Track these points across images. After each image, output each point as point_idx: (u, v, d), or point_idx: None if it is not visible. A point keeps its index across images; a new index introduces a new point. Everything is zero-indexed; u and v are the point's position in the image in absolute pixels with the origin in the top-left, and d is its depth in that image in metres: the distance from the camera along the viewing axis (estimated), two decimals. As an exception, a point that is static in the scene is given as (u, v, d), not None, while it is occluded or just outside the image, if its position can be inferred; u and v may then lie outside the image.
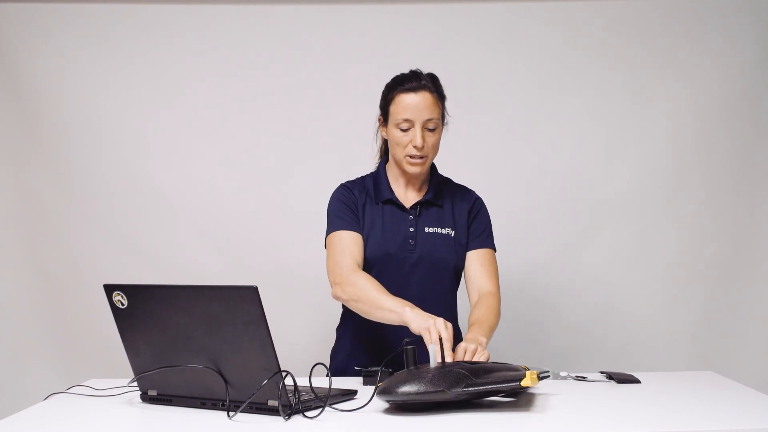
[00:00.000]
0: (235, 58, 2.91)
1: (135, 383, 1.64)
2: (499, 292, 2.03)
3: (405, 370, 1.57)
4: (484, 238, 2.07)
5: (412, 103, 1.94)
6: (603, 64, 2.92)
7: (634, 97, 2.92)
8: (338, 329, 2.17)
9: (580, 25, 2.92)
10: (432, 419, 1.43)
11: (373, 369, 1.80)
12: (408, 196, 2.06)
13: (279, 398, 1.43)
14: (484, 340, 1.81)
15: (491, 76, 2.93)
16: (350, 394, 1.64)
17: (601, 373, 1.92)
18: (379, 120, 2.06)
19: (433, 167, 2.10)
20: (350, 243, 1.98)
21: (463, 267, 2.06)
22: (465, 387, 1.46)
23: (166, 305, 1.53)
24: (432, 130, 1.96)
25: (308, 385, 1.54)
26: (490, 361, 1.70)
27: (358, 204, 2.04)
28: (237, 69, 2.91)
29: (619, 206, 2.92)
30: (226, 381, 1.50)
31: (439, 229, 2.03)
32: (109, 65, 2.88)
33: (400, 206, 2.04)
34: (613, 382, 1.83)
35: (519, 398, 1.60)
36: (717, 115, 2.90)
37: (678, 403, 1.60)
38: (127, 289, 1.56)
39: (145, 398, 1.63)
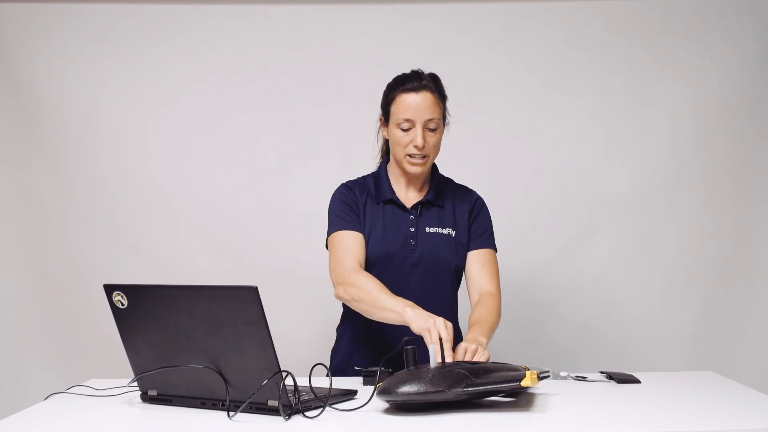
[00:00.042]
0: (235, 58, 2.91)
1: (135, 383, 1.64)
2: (499, 293, 2.03)
3: (405, 370, 1.57)
4: (485, 238, 2.07)
5: (413, 103, 1.94)
6: (603, 64, 2.92)
7: (634, 97, 2.92)
8: (339, 328, 2.17)
9: (580, 25, 2.92)
10: (432, 419, 1.43)
11: (372, 369, 1.80)
12: (409, 196, 2.06)
13: (279, 398, 1.43)
14: (484, 340, 1.81)
15: (491, 76, 2.93)
16: (350, 394, 1.64)
17: (601, 373, 1.92)
18: (380, 120, 2.06)
19: (434, 167, 2.10)
20: (352, 243, 1.98)
21: (463, 267, 2.06)
22: (465, 387, 1.46)
23: (166, 305, 1.53)
24: (433, 130, 1.96)
25: (308, 385, 1.54)
26: (490, 361, 1.70)
27: (359, 204, 2.04)
28: (237, 69, 2.91)
29: (619, 206, 2.92)
30: (226, 381, 1.50)
31: (439, 229, 2.03)
32: (109, 65, 2.88)
33: (401, 206, 2.04)
34: (613, 382, 1.83)
35: (519, 398, 1.60)
36: (717, 115, 2.90)
37: (678, 403, 1.60)
38: (127, 289, 1.56)
39: (145, 398, 1.63)
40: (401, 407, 1.50)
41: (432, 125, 1.96)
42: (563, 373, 1.89)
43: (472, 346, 1.74)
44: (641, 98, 2.92)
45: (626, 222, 2.93)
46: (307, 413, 1.46)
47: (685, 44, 2.90)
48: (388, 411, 1.51)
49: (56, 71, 2.87)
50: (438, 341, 1.65)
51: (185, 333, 1.52)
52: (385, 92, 2.03)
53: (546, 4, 2.91)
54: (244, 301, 1.43)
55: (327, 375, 1.59)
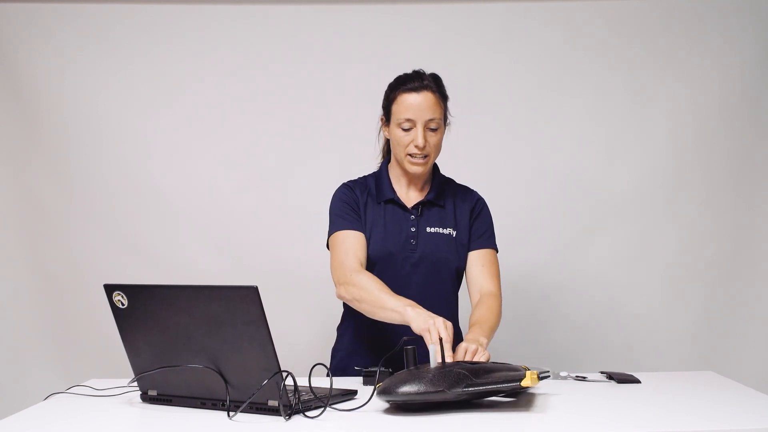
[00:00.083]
0: (235, 58, 2.91)
1: (135, 383, 1.64)
2: (500, 293, 2.03)
3: (405, 370, 1.57)
4: (486, 239, 2.07)
5: (414, 103, 1.94)
6: (603, 64, 2.92)
7: (634, 97, 2.92)
8: (339, 328, 2.17)
9: (580, 25, 2.92)
10: (432, 419, 1.43)
11: (372, 369, 1.80)
12: (410, 196, 2.06)
13: (279, 398, 1.43)
14: (484, 340, 1.81)
15: (491, 76, 2.93)
16: (350, 394, 1.64)
17: (601, 373, 1.92)
18: (382, 120, 2.06)
19: (435, 167, 2.10)
20: (353, 242, 1.98)
21: (464, 267, 2.06)
22: (465, 387, 1.46)
23: (166, 305, 1.53)
24: (434, 130, 1.96)
25: (308, 385, 1.54)
26: (490, 361, 1.70)
27: (359, 203, 2.04)
28: (237, 69, 2.91)
29: (619, 206, 2.92)
30: (226, 381, 1.50)
31: (440, 229, 2.03)
32: (109, 65, 2.88)
33: (402, 206, 2.04)
34: (613, 382, 1.83)
35: (519, 398, 1.60)
36: (717, 115, 2.90)
37: (678, 403, 1.60)
38: (127, 289, 1.56)
39: (145, 398, 1.63)
40: (401, 407, 1.50)
41: (433, 125, 1.96)
42: (563, 373, 1.89)
43: (473, 347, 1.74)
44: (641, 98, 2.92)
45: (626, 222, 2.93)
46: (307, 413, 1.46)
47: (685, 44, 2.90)
48: (388, 411, 1.51)
49: (56, 71, 2.87)
50: (438, 341, 1.65)
51: (185, 333, 1.52)
52: (386, 92, 2.03)
53: (546, 4, 2.91)
54: (244, 301, 1.43)
55: (327, 375, 1.59)
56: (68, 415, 1.55)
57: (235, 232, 2.91)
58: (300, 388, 1.49)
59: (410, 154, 1.97)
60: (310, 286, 2.83)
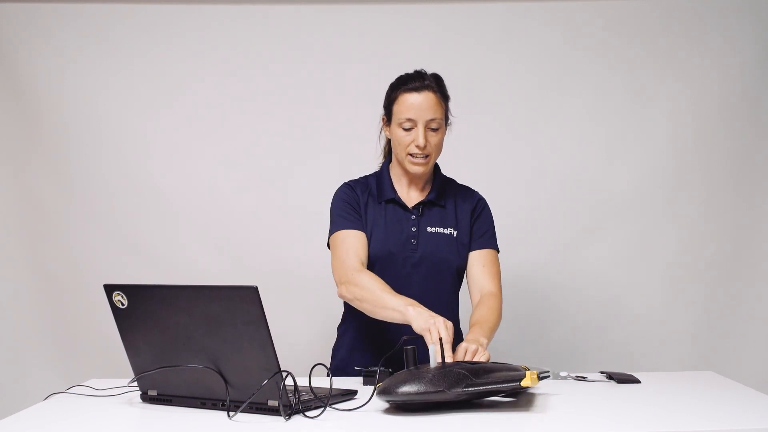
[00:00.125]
0: (235, 58, 2.91)
1: (135, 383, 1.64)
2: (501, 293, 2.03)
3: (405, 370, 1.57)
4: (487, 239, 2.07)
5: (415, 103, 1.94)
6: (603, 64, 2.92)
7: (634, 97, 2.92)
8: (339, 327, 2.17)
9: (580, 25, 2.92)
10: (432, 419, 1.43)
11: (372, 369, 1.80)
12: (411, 196, 2.06)
13: (279, 398, 1.43)
14: (484, 340, 1.81)
15: (491, 76, 2.93)
16: (350, 394, 1.64)
17: (601, 373, 1.92)
18: (383, 119, 2.06)
19: (436, 167, 2.10)
20: (354, 242, 1.98)
21: (465, 267, 2.06)
22: (465, 387, 1.46)
23: (166, 305, 1.53)
24: (435, 130, 1.96)
25: (308, 385, 1.54)
26: (490, 361, 1.70)
27: (360, 203, 2.04)
28: (237, 69, 2.91)
29: (619, 206, 2.92)
30: (226, 381, 1.50)
31: (441, 229, 2.03)
32: (109, 65, 2.88)
33: (403, 206, 2.04)
34: (613, 382, 1.83)
35: (519, 398, 1.60)
36: (717, 115, 2.90)
37: (678, 403, 1.60)
38: (127, 289, 1.56)
39: (145, 398, 1.63)
40: (401, 407, 1.50)
41: (434, 125, 1.96)
42: (563, 373, 1.89)
43: (473, 347, 1.74)
44: (641, 98, 2.92)
45: (626, 222, 2.93)
46: (307, 413, 1.46)
47: (685, 44, 2.90)
48: (388, 411, 1.51)
49: (56, 71, 2.87)
50: (438, 341, 1.65)
51: (185, 333, 1.52)
52: (387, 92, 2.03)
53: (546, 4, 2.91)
54: (244, 301, 1.43)
55: (327, 375, 1.59)
56: (68, 415, 1.55)
57: (235, 232, 2.91)
58: (300, 388, 1.49)
59: (411, 154, 1.97)
60: (310, 286, 2.83)
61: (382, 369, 1.68)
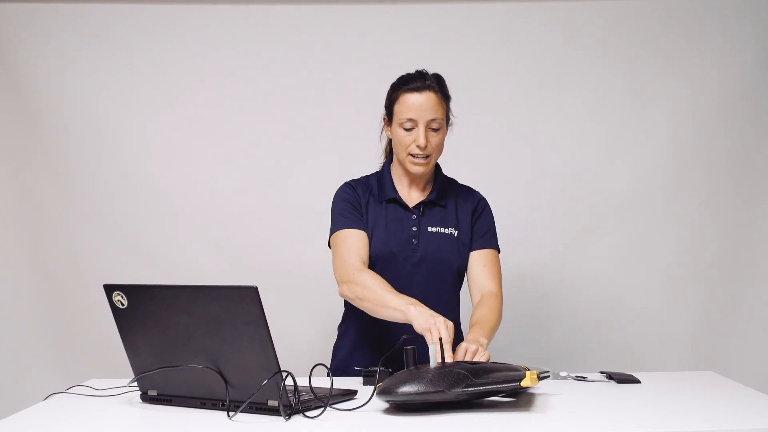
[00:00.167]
0: (235, 58, 2.91)
1: (135, 383, 1.64)
2: (501, 293, 2.03)
3: (405, 370, 1.57)
4: (488, 239, 2.07)
5: (416, 103, 1.94)
6: (603, 64, 2.92)
7: (634, 97, 2.92)
8: (340, 327, 2.17)
9: (580, 25, 2.92)
10: (432, 419, 1.43)
11: (372, 369, 1.80)
12: (411, 196, 2.06)
13: (279, 398, 1.43)
14: (485, 340, 1.81)
15: (491, 76, 2.93)
16: (350, 394, 1.64)
17: (601, 373, 1.92)
18: (384, 119, 2.07)
19: (437, 167, 2.10)
20: (356, 241, 1.98)
21: (466, 267, 2.06)
22: (465, 387, 1.46)
23: (166, 305, 1.53)
24: (436, 130, 1.96)
25: (308, 385, 1.54)
26: (490, 361, 1.70)
27: (361, 202, 2.04)
28: (237, 69, 2.91)
29: (619, 206, 2.92)
30: (226, 381, 1.50)
31: (442, 228, 2.03)
32: (109, 65, 2.88)
33: (404, 205, 2.04)
34: (613, 382, 1.83)
35: (519, 398, 1.60)
36: (717, 115, 2.90)
37: (678, 403, 1.60)
38: (127, 289, 1.56)
39: (145, 398, 1.63)
40: (401, 407, 1.50)
41: (435, 125, 1.96)
42: (563, 373, 1.89)
43: (473, 347, 1.74)
44: (641, 98, 2.92)
45: (626, 222, 2.93)
46: (307, 413, 1.46)
47: (685, 44, 2.90)
48: (388, 411, 1.51)
49: (56, 71, 2.87)
50: (438, 341, 1.65)
51: (185, 333, 1.52)
52: (388, 92, 2.03)
53: (546, 4, 2.91)
54: (244, 301, 1.43)
55: (327, 375, 1.59)
56: (68, 415, 1.55)
57: (235, 232, 2.91)
58: (300, 388, 1.49)
59: (412, 154, 1.97)
60: (310, 286, 2.83)
61: (382, 369, 1.68)
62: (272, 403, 1.46)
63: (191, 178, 2.90)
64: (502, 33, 2.92)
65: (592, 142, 2.93)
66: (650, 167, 2.92)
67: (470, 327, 1.90)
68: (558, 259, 2.93)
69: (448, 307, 2.03)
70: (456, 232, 2.04)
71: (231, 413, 1.47)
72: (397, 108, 1.97)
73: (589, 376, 1.89)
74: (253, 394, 1.44)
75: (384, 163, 2.14)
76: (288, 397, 1.46)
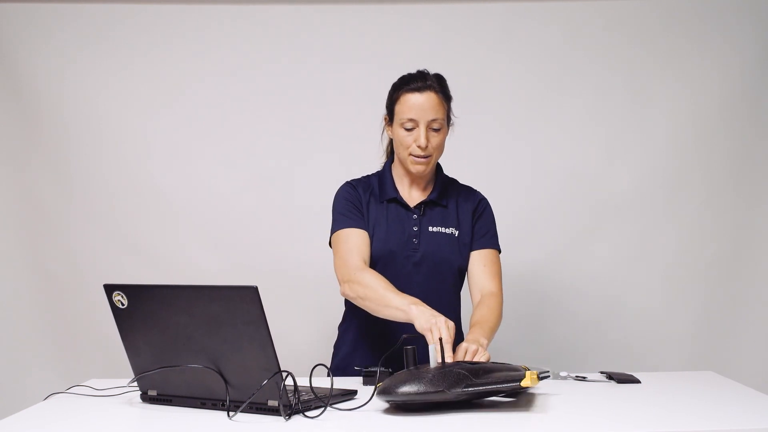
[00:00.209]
0: (235, 58, 2.91)
1: (135, 383, 1.64)
2: (501, 293, 2.03)
3: (405, 370, 1.57)
4: (488, 239, 2.07)
5: (417, 103, 1.94)
6: (603, 64, 2.92)
7: (634, 97, 2.92)
8: (341, 326, 2.17)
9: (580, 25, 2.92)
10: (432, 419, 1.43)
11: (372, 369, 1.80)
12: (412, 196, 2.06)
13: (280, 398, 1.43)
14: (485, 341, 1.81)
15: (491, 76, 2.93)
16: (350, 394, 1.64)
17: (601, 373, 1.92)
18: (385, 119, 2.07)
19: (438, 167, 2.10)
20: (357, 240, 1.98)
21: (466, 267, 2.06)
22: (465, 387, 1.46)
23: (166, 305, 1.53)
24: (437, 131, 1.96)
25: (308, 385, 1.54)
26: (490, 361, 1.70)
27: (362, 202, 2.04)
28: (237, 69, 2.91)
29: (619, 206, 2.92)
30: (226, 381, 1.50)
31: (443, 228, 2.03)
32: (109, 65, 2.88)
33: (405, 205, 2.04)
34: (613, 382, 1.83)
35: (519, 398, 1.60)
36: (717, 115, 2.90)
37: (678, 403, 1.60)
38: (127, 289, 1.56)
39: (145, 398, 1.63)
40: (401, 407, 1.50)
41: (436, 125, 1.96)
42: (563, 373, 1.89)
43: (473, 347, 1.74)
44: (641, 98, 2.92)
45: (626, 222, 2.93)
46: (307, 413, 1.46)
47: (685, 44, 2.90)
48: (388, 411, 1.51)
49: (56, 71, 2.87)
50: (438, 341, 1.65)
51: (185, 333, 1.52)
52: (390, 92, 2.03)
53: (546, 4, 2.91)
54: (244, 301, 1.43)
55: (328, 375, 1.59)
56: (68, 415, 1.55)
57: (235, 232, 2.91)
58: (300, 388, 1.49)
59: (413, 154, 1.97)
60: (310, 286, 2.83)
61: (382, 369, 1.68)
62: (272, 403, 1.46)
63: (191, 178, 2.90)
64: (502, 33, 2.92)
65: (592, 142, 2.93)
66: (650, 167, 2.92)
67: (470, 327, 1.90)
68: (558, 259, 2.93)
69: (449, 307, 2.03)
70: (457, 232, 2.04)
71: (231, 413, 1.47)
72: (398, 108, 1.97)
73: (589, 376, 1.89)
74: (253, 394, 1.44)
75: (385, 163, 2.14)
76: (288, 397, 1.46)
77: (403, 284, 1.92)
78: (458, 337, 1.92)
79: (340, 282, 1.96)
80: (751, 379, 2.54)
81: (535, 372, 1.48)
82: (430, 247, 2.01)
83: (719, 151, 2.91)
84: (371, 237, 2.01)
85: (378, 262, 1.99)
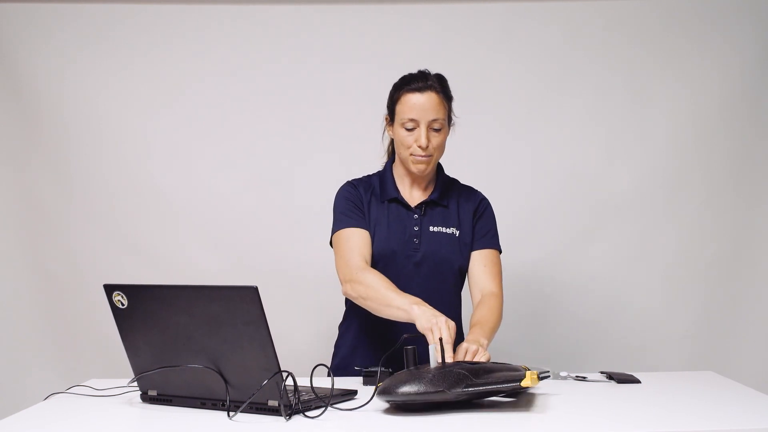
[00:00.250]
0: (235, 58, 2.91)
1: (135, 383, 1.64)
2: (502, 293, 2.03)
3: (405, 370, 1.57)
4: (489, 239, 2.07)
5: (418, 103, 1.94)
6: (603, 64, 2.92)
7: (634, 97, 2.92)
8: (341, 325, 2.17)
9: (580, 25, 2.92)
10: (432, 419, 1.43)
11: (372, 369, 1.80)
12: (413, 196, 2.06)
13: (280, 398, 1.43)
14: (485, 341, 1.81)
15: (491, 76, 2.92)
16: (350, 394, 1.64)
17: (601, 373, 1.92)
18: (386, 119, 2.07)
19: (439, 167, 2.11)
20: (358, 240, 1.98)
21: (467, 267, 2.06)
22: (465, 387, 1.46)
23: (166, 305, 1.53)
24: (437, 131, 1.97)
25: (308, 385, 1.54)
26: (490, 361, 1.70)
27: (363, 201, 2.04)
28: (237, 69, 2.91)
29: (619, 206, 2.92)
30: (226, 381, 1.50)
31: (443, 228, 2.03)
32: (109, 65, 2.88)
33: (405, 205, 2.04)
34: (613, 382, 1.83)
35: (519, 398, 1.60)
36: (717, 115, 2.90)
37: (678, 403, 1.60)
38: (127, 289, 1.56)
39: (145, 398, 1.63)
40: (401, 407, 1.50)
41: (436, 125, 1.96)
42: (563, 373, 1.89)
43: (473, 347, 1.74)
44: (641, 98, 2.92)
45: (626, 222, 2.93)
46: (307, 413, 1.46)
47: (685, 44, 2.90)
48: (388, 411, 1.51)
49: (56, 71, 2.87)
50: (438, 341, 1.65)
51: (185, 333, 1.52)
52: (390, 92, 2.03)
53: (546, 4, 2.91)
54: (244, 301, 1.43)
55: (328, 374, 1.59)
56: (68, 415, 1.55)
57: (235, 232, 2.91)
58: (300, 388, 1.49)
59: (414, 154, 1.97)
60: (310, 286, 2.83)
61: (383, 369, 1.68)
62: (272, 403, 1.46)
63: (191, 178, 2.90)
64: (502, 33, 2.92)
65: (592, 142, 2.93)
66: (650, 167, 2.92)
67: (470, 327, 1.90)
68: (558, 258, 2.93)
69: (450, 307, 2.03)
70: (457, 232, 2.04)
71: (231, 413, 1.47)
72: (399, 108, 1.97)
73: (589, 376, 1.89)
74: (254, 394, 1.44)
75: (386, 163, 2.14)
76: (288, 397, 1.46)
77: (403, 284, 1.92)
78: (459, 337, 1.92)
79: (342, 282, 1.96)
80: (751, 379, 2.54)
81: (535, 372, 1.48)
82: (430, 247, 2.01)
83: (719, 151, 2.91)
84: (372, 237, 2.01)
85: (379, 262, 1.99)
